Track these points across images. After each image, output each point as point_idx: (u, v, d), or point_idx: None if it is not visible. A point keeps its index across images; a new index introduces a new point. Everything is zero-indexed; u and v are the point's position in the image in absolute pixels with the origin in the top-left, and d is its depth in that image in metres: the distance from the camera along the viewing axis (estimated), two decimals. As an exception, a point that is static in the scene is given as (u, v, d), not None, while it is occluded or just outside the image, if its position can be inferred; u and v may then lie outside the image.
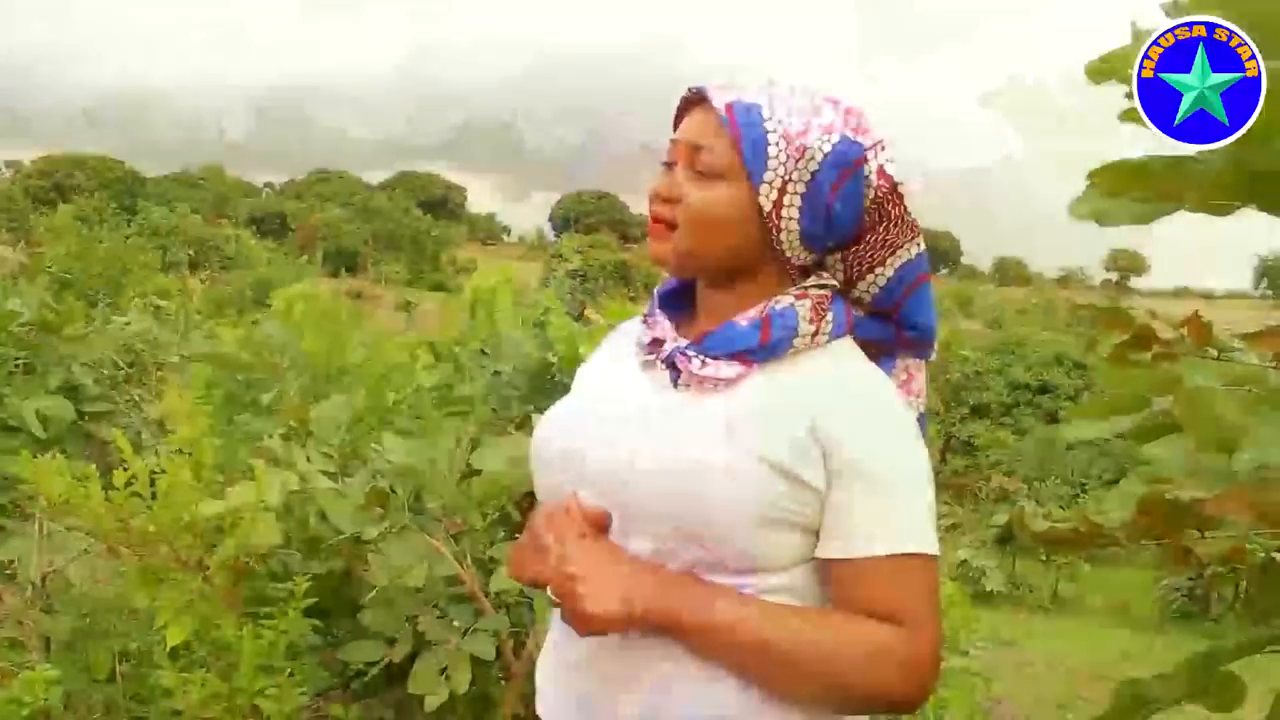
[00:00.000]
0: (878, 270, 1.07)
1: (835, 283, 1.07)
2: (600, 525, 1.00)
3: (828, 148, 0.99)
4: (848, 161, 1.00)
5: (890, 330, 1.10)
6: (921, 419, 1.13)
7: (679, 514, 0.97)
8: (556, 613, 1.08)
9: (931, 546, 0.98)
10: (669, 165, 1.05)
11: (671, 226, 1.03)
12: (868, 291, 1.09)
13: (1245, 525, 1.16)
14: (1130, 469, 1.39)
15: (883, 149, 1.02)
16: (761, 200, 1.00)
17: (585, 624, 0.95)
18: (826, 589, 1.01)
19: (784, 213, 1.00)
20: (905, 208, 1.04)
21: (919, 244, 1.07)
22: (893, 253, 1.06)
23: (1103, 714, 1.27)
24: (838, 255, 1.08)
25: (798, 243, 1.03)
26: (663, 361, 1.04)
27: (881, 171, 1.02)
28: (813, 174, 0.99)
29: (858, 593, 0.96)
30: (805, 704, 0.98)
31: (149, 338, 4.40)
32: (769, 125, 0.99)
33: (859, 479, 0.96)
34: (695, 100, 1.04)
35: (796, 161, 0.99)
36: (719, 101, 1.00)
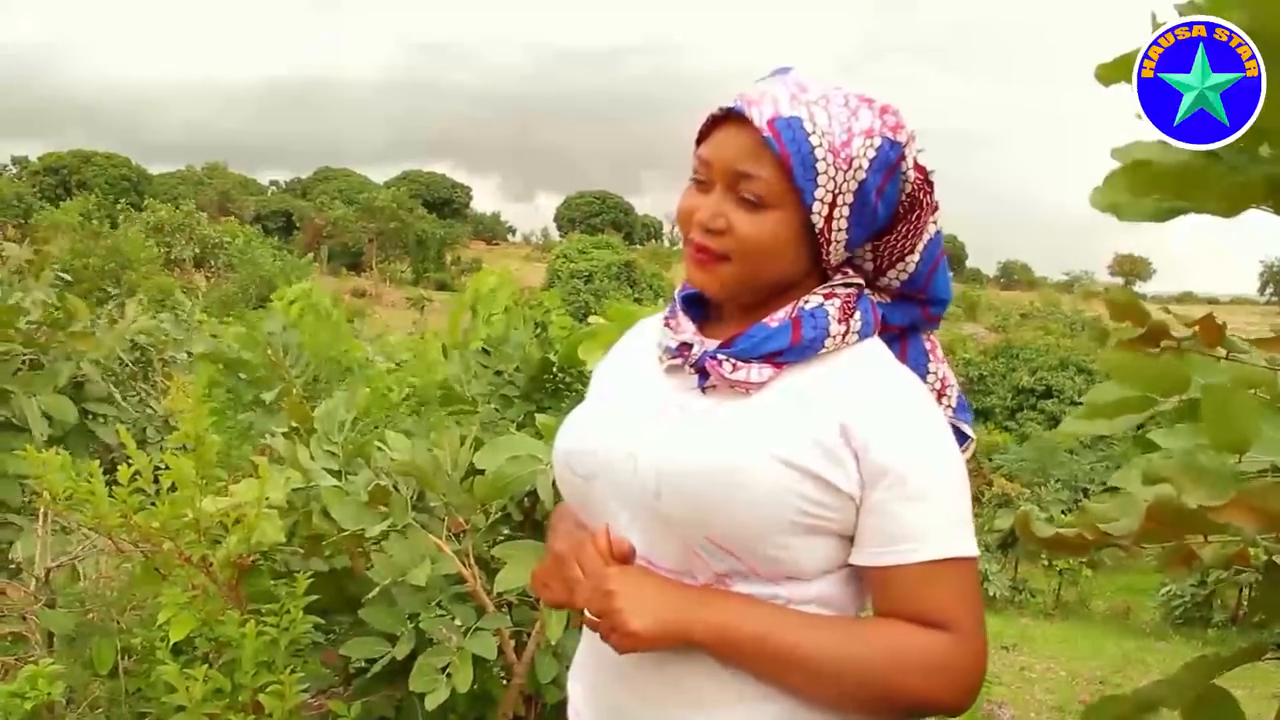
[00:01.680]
0: (908, 258, 1.05)
1: (860, 280, 1.05)
2: (625, 556, 1.00)
3: (872, 153, 0.97)
4: (890, 164, 0.98)
5: (917, 311, 1.09)
6: (963, 405, 1.12)
7: (707, 520, 0.95)
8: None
9: (972, 549, 0.96)
10: (700, 184, 1.01)
11: (719, 257, 1.00)
12: (897, 279, 1.07)
13: (1251, 531, 1.16)
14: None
15: (914, 140, 1.00)
16: (814, 218, 0.97)
17: (626, 641, 0.95)
18: (861, 596, 1.00)
19: (834, 225, 0.98)
20: (932, 193, 1.03)
21: (936, 220, 1.05)
22: (920, 238, 1.05)
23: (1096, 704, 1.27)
24: (867, 246, 1.06)
25: (842, 250, 1.02)
26: (691, 366, 1.02)
27: (915, 164, 1.00)
28: (860, 183, 0.97)
29: (900, 600, 0.94)
30: (847, 714, 0.96)
31: (155, 334, 4.40)
32: (814, 139, 0.95)
33: (896, 484, 0.94)
34: (726, 115, 0.99)
35: (844, 173, 0.96)
36: (759, 120, 0.95)
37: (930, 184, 1.02)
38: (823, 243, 0.99)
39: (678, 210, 1.04)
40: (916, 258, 1.05)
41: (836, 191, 0.96)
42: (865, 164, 0.96)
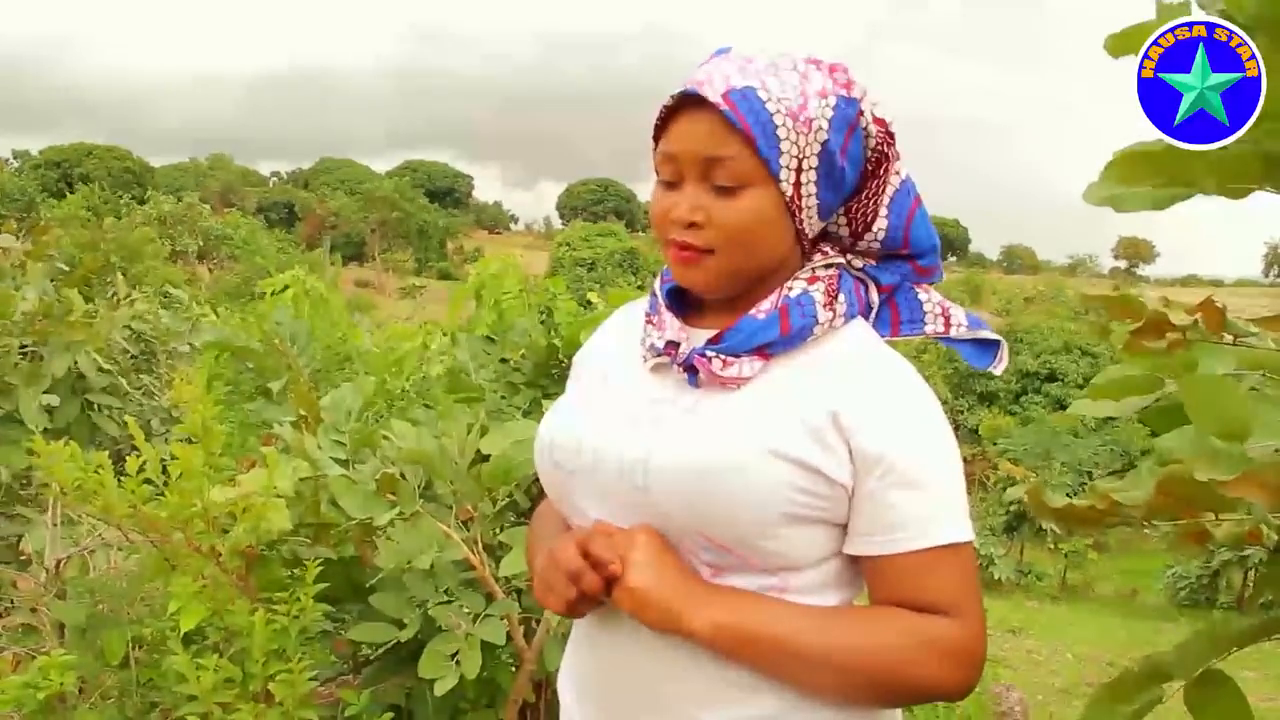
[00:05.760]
0: (881, 215, 1.03)
1: (840, 260, 1.03)
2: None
3: (830, 112, 0.95)
4: (849, 120, 0.96)
5: (907, 267, 1.06)
6: (974, 320, 1.08)
7: (701, 516, 0.93)
8: (578, 623, 1.06)
9: (968, 533, 0.95)
10: (669, 184, 0.98)
11: (703, 252, 0.97)
12: (876, 239, 1.04)
13: (1263, 508, 1.16)
14: (1137, 458, 1.38)
15: (868, 95, 0.98)
16: (783, 187, 0.95)
17: (625, 596, 0.93)
18: (856, 582, 0.99)
19: (803, 191, 0.96)
20: (895, 144, 1.00)
21: (899, 169, 1.02)
22: (887, 192, 1.02)
23: (1111, 682, 1.27)
24: (840, 212, 1.04)
25: (816, 218, 0.99)
26: (680, 365, 0.99)
27: (876, 119, 0.98)
28: (823, 144, 0.95)
29: (901, 588, 0.94)
30: (860, 704, 0.96)
31: (155, 321, 4.39)
32: (770, 106, 0.92)
33: (891, 472, 0.92)
34: (682, 105, 0.95)
35: (805, 137, 0.94)
36: (713, 95, 0.92)
37: (892, 135, 1.00)
38: (794, 211, 0.97)
39: (652, 216, 1.01)
40: (886, 212, 1.03)
41: (800, 156, 0.94)
42: (825, 124, 0.94)
